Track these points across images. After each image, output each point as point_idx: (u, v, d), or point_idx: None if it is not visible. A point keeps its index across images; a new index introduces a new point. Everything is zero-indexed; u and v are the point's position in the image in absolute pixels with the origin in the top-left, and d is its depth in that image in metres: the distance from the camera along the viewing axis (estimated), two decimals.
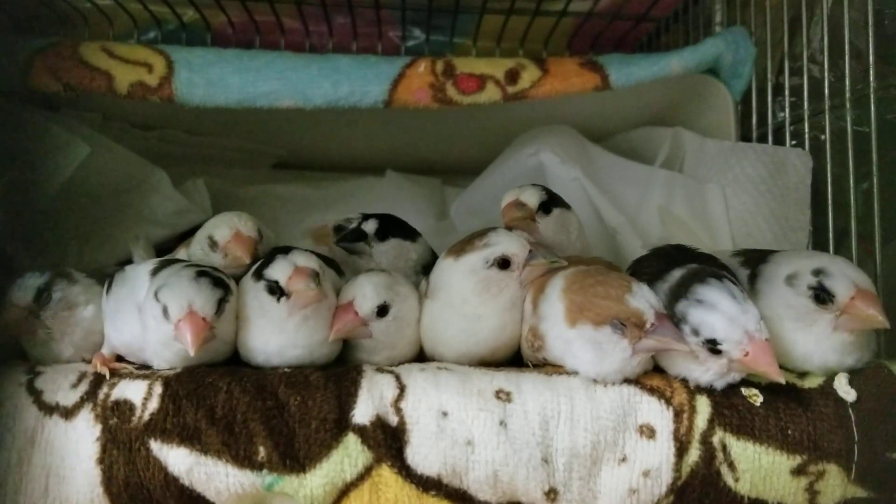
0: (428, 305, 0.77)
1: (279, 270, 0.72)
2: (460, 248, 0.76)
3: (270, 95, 0.94)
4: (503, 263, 0.73)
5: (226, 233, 0.83)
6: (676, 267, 0.73)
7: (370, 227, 0.87)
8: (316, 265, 0.73)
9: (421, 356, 0.79)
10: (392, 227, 0.88)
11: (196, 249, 0.86)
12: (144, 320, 0.72)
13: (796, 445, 0.66)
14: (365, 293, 0.74)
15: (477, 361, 0.75)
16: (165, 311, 0.69)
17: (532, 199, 0.84)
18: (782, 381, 0.65)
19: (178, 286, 0.70)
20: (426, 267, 0.86)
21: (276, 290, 0.72)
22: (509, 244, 0.74)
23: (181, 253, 0.92)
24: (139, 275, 0.76)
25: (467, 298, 0.74)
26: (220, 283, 0.72)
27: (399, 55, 1.09)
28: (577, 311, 0.68)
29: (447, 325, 0.76)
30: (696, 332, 0.66)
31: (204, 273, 0.72)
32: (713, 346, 0.66)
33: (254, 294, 0.73)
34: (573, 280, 0.71)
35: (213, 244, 0.83)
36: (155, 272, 0.75)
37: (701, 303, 0.67)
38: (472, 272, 0.74)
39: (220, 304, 0.71)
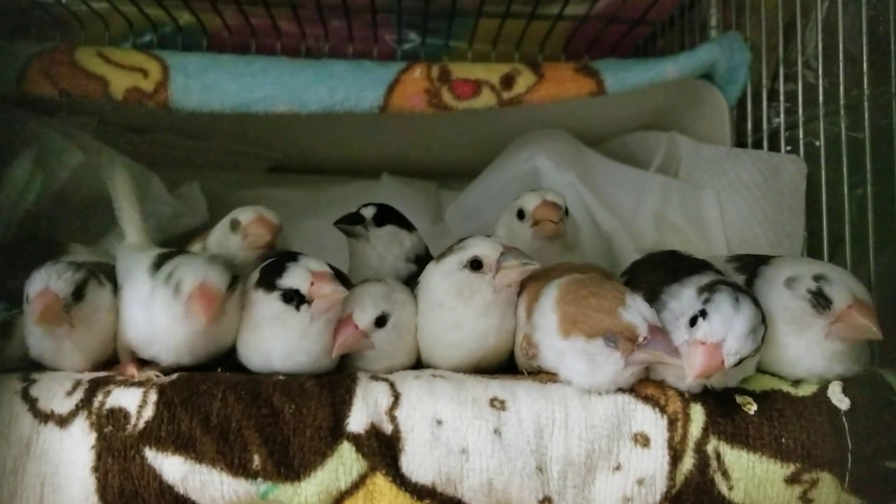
0: (419, 311, 0.78)
1: (296, 278, 0.71)
2: (443, 253, 0.78)
3: (266, 101, 0.94)
4: (475, 265, 0.74)
5: (250, 214, 0.85)
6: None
7: (368, 212, 0.91)
8: (328, 267, 0.73)
9: (419, 364, 0.79)
10: (389, 215, 0.92)
11: (216, 234, 0.88)
12: (150, 308, 0.72)
13: (790, 454, 0.66)
14: (363, 305, 0.74)
15: (466, 368, 0.75)
16: (178, 286, 0.69)
17: (559, 198, 0.87)
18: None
19: (192, 264, 0.72)
20: (419, 258, 0.89)
21: (293, 299, 0.71)
22: (481, 246, 0.75)
23: (196, 246, 0.93)
24: (138, 266, 0.76)
25: (442, 301, 0.75)
26: (231, 267, 0.73)
27: (395, 58, 1.09)
28: (570, 322, 0.68)
29: (427, 330, 0.77)
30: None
31: (216, 256, 0.74)
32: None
33: (267, 305, 0.72)
34: (567, 290, 0.71)
35: (236, 225, 0.85)
36: (157, 265, 0.75)
37: None
38: (447, 274, 0.75)
39: (233, 283, 0.72)
